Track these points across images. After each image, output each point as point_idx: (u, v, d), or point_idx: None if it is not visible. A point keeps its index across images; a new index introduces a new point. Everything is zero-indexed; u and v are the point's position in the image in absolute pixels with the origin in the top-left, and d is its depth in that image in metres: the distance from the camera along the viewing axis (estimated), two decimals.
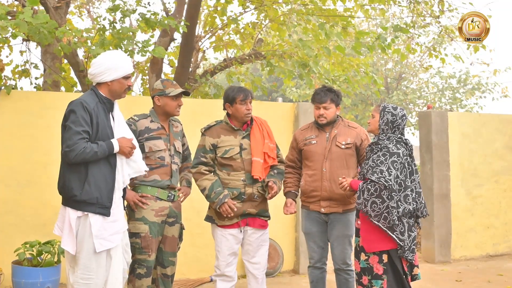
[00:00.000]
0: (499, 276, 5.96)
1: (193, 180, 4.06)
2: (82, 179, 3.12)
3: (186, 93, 3.94)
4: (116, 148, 3.20)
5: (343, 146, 4.00)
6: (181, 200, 3.95)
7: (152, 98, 3.90)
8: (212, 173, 3.91)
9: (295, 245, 6.02)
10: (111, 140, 3.20)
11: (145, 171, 3.49)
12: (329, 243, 4.13)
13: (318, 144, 4.05)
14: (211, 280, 5.44)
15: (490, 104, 47.21)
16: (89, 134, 3.13)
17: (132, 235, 3.69)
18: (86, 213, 3.12)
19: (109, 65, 3.22)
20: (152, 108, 3.94)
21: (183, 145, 4.06)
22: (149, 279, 3.75)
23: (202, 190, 3.83)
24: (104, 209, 3.15)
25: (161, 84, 3.87)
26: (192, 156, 4.10)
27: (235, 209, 3.77)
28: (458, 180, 6.84)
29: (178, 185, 4.00)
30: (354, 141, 4.03)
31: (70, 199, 3.13)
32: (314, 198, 4.03)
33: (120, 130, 3.32)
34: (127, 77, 3.30)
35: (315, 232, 4.10)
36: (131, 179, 3.62)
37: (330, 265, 4.21)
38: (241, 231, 3.86)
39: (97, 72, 3.22)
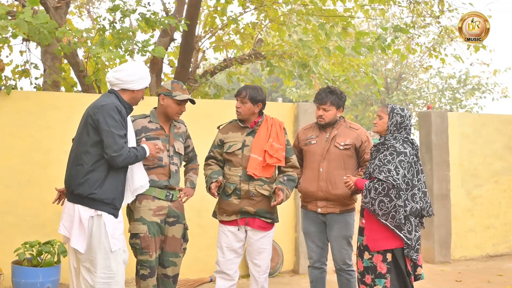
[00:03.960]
0: (499, 276, 5.97)
1: (198, 180, 4.16)
2: (103, 178, 3.21)
3: (191, 101, 3.92)
4: (148, 153, 3.42)
5: (341, 147, 4.00)
6: (182, 200, 3.94)
7: (158, 95, 3.91)
8: (218, 166, 4.00)
9: (295, 245, 6.02)
10: (143, 145, 3.42)
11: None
12: (328, 244, 4.14)
13: (318, 144, 4.06)
14: (211, 280, 5.45)
15: (490, 105, 47.21)
16: (125, 137, 3.28)
17: (132, 236, 3.71)
18: (99, 213, 3.19)
19: (142, 75, 3.43)
20: (154, 108, 3.94)
21: (187, 146, 4.08)
22: (153, 279, 3.75)
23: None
24: (115, 210, 3.28)
25: (171, 85, 3.87)
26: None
27: (217, 186, 3.81)
28: (458, 180, 6.85)
29: (182, 186, 4.02)
30: (353, 142, 4.02)
31: (86, 197, 3.18)
32: (311, 198, 4.04)
33: (131, 136, 3.47)
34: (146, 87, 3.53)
35: (313, 232, 4.10)
36: None
37: (331, 266, 4.21)
38: (238, 229, 3.87)
39: (130, 80, 3.37)
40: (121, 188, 3.33)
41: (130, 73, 3.37)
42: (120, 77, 3.36)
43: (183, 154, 3.98)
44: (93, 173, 3.19)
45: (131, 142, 3.43)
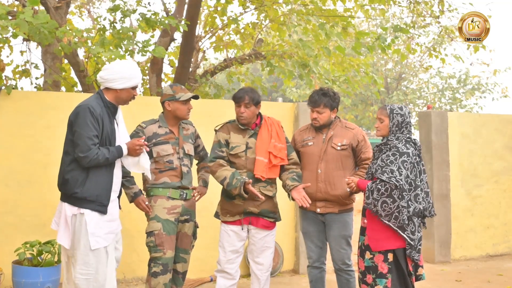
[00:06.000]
0: (499, 276, 5.97)
1: (210, 178, 4.15)
2: (84, 176, 3.24)
3: (195, 97, 4.02)
4: (125, 152, 3.36)
5: (338, 148, 4.00)
6: (196, 199, 4.02)
7: (162, 103, 3.96)
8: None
9: (295, 245, 6.03)
10: (120, 145, 3.35)
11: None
12: (327, 244, 4.14)
13: (315, 145, 4.06)
14: (211, 280, 5.45)
15: (490, 104, 47.21)
16: (98, 138, 3.25)
17: (148, 235, 3.81)
18: (82, 211, 3.23)
19: (124, 74, 3.34)
20: (162, 113, 4.01)
21: (197, 146, 4.15)
22: (166, 277, 3.78)
23: (223, 180, 3.80)
24: (102, 207, 3.28)
25: (171, 89, 3.95)
26: None
27: (259, 195, 3.74)
28: (458, 180, 6.85)
29: (195, 185, 4.07)
30: (350, 142, 4.02)
31: (70, 196, 3.24)
32: (310, 198, 4.02)
33: (122, 134, 3.45)
34: (135, 87, 3.43)
35: (312, 232, 4.11)
36: (144, 184, 3.92)
37: (330, 265, 4.21)
38: (242, 229, 3.88)
39: (110, 78, 3.33)
40: (108, 185, 3.31)
41: (112, 72, 3.34)
42: (103, 75, 3.36)
43: (193, 154, 4.06)
44: (73, 172, 3.24)
45: (123, 138, 3.43)
